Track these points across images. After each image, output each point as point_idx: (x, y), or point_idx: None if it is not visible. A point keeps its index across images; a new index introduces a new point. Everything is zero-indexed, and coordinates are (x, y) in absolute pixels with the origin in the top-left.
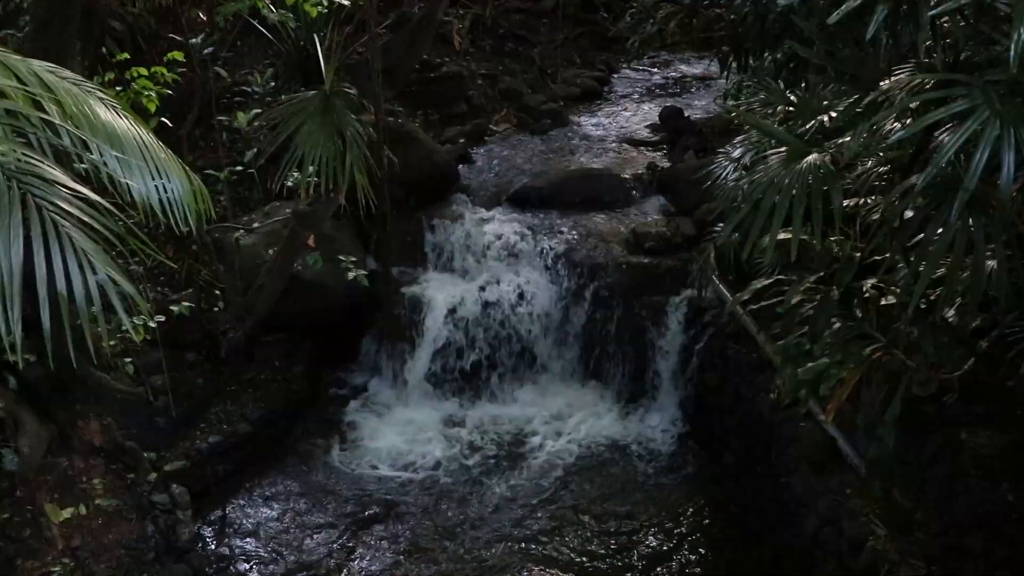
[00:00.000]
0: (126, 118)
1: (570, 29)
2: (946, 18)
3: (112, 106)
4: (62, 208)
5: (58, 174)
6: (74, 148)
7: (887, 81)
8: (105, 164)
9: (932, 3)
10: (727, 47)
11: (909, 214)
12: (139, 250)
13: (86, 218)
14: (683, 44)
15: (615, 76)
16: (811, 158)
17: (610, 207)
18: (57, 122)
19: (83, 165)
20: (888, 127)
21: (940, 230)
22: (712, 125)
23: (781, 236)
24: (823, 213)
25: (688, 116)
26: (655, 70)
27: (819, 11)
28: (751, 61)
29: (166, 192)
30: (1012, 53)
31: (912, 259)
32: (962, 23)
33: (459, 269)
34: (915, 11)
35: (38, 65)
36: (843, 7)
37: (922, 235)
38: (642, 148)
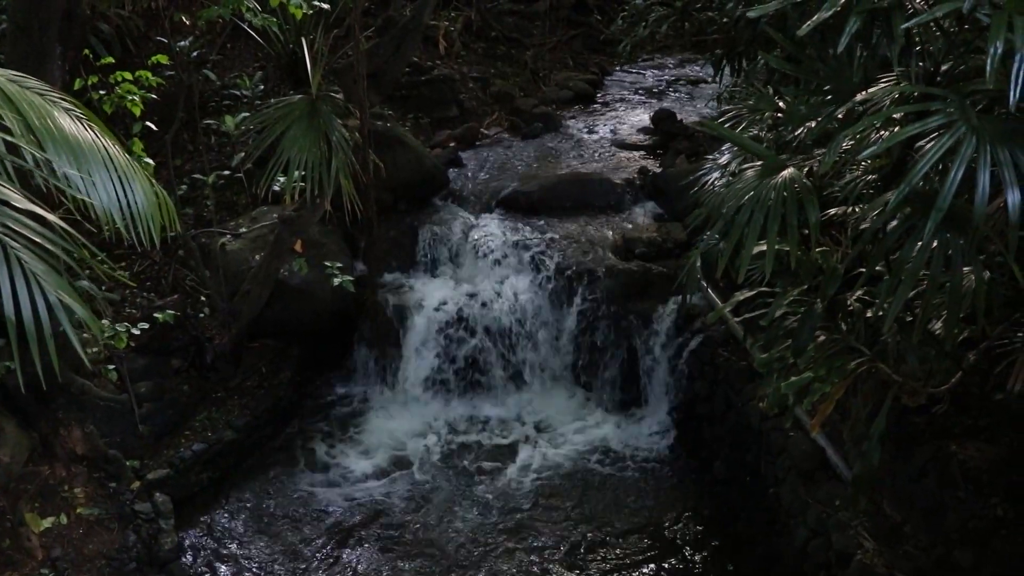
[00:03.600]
0: (91, 129)
1: (563, 32)
2: (924, 28)
3: (78, 117)
4: (11, 229)
5: (10, 192)
6: (35, 164)
7: (863, 93)
8: (68, 180)
9: (908, 14)
10: (720, 50)
11: (893, 224)
12: (112, 264)
13: (38, 239)
14: (676, 47)
15: (608, 79)
16: (786, 172)
17: (601, 212)
18: (12, 138)
19: (43, 176)
20: (872, 137)
21: (918, 245)
22: (705, 129)
23: (760, 249)
24: (801, 227)
25: (681, 120)
26: (648, 73)
27: (797, 20)
28: (744, 65)
29: (129, 205)
30: (989, 67)
31: (891, 272)
32: (939, 34)
33: (448, 274)
34: (889, 23)
35: (1, 75)
36: (814, 18)
37: (902, 248)
38: (634, 152)
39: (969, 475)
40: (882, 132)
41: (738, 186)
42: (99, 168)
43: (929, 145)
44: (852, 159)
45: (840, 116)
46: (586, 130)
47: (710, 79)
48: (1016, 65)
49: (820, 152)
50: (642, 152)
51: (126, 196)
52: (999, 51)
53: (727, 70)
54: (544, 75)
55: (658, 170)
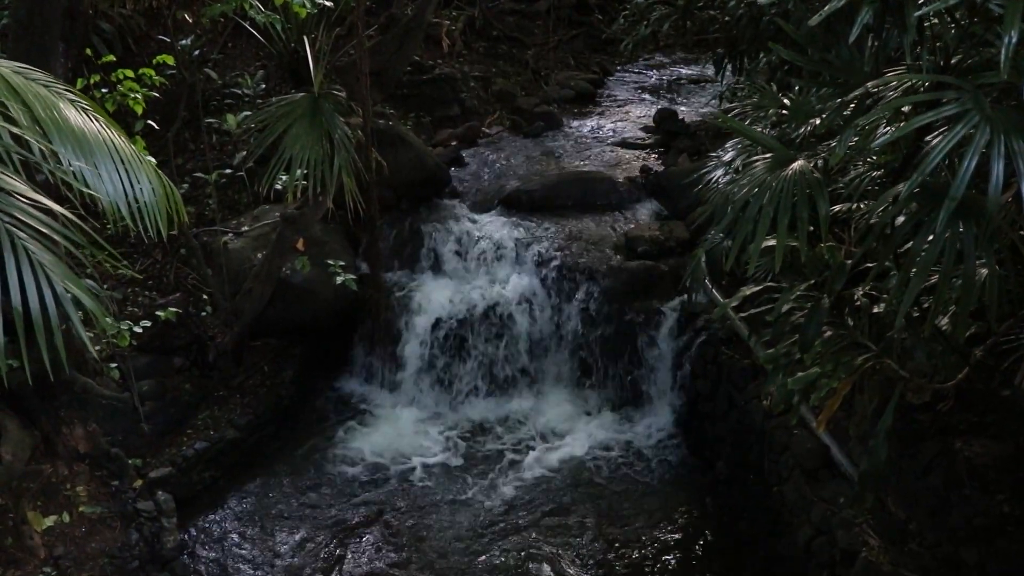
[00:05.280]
0: (97, 121)
1: (564, 31)
2: (936, 20)
3: (83, 109)
4: (19, 219)
5: (17, 183)
6: (41, 156)
7: (873, 83)
8: (74, 172)
9: (920, 3)
10: (722, 49)
11: (901, 219)
12: (119, 256)
13: (45, 230)
14: (678, 46)
15: (610, 78)
16: (796, 165)
17: (603, 210)
18: (19, 130)
19: (49, 168)
20: (880, 130)
21: (930, 238)
22: (706, 127)
23: (769, 243)
24: (810, 220)
25: (682, 118)
26: (650, 72)
27: (804, 12)
28: (746, 63)
29: (136, 198)
30: (1003, 57)
31: (901, 267)
32: (952, 25)
33: (450, 273)
34: (901, 12)
35: (6, 67)
36: (826, 8)
37: (911, 243)
38: (636, 151)
39: (975, 472)
40: (890, 127)
41: (746, 180)
42: (105, 159)
43: (939, 138)
44: (858, 154)
45: (850, 109)
46: (588, 129)
47: (712, 78)
48: None
49: (826, 147)
50: (644, 151)
51: (132, 187)
52: (1013, 41)
53: (729, 69)
54: (545, 74)
55: (660, 169)
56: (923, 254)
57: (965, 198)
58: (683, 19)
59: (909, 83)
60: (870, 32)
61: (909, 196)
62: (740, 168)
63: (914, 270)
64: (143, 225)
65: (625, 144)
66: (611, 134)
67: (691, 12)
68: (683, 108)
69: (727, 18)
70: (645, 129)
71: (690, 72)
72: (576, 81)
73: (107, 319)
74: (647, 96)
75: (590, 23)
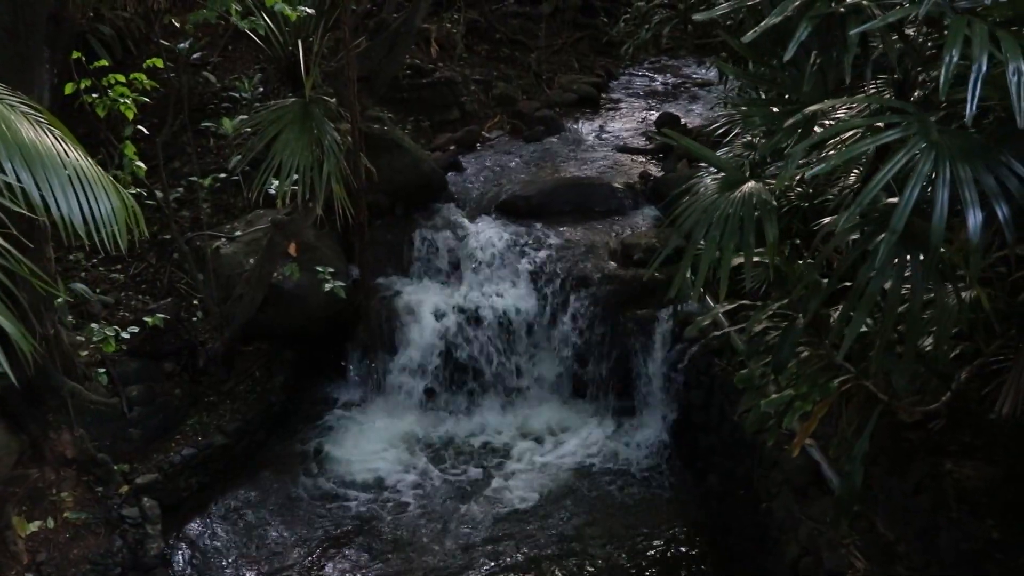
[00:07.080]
0: (50, 133)
1: (568, 34)
2: (893, 37)
3: (38, 122)
4: None
5: None
6: None
7: (815, 106)
8: (22, 187)
9: (862, 20)
10: (724, 53)
11: (856, 239)
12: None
13: None
14: (682, 50)
15: (614, 82)
16: (747, 187)
17: (601, 217)
18: None
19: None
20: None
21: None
22: (708, 132)
23: (738, 261)
24: (758, 244)
25: (684, 123)
26: (656, 75)
27: (750, 26)
28: (749, 67)
29: (92, 211)
30: (942, 77)
31: (847, 297)
32: (898, 41)
33: (444, 279)
34: (842, 29)
35: None
36: (762, 24)
37: (858, 271)
38: (636, 156)
39: (964, 495)
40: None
41: (698, 200)
42: (59, 173)
43: (887, 164)
44: (845, 168)
45: (795, 133)
46: (588, 133)
47: (716, 82)
48: (973, 76)
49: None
50: (645, 156)
51: (88, 202)
52: (954, 59)
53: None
54: (548, 78)
55: (659, 175)
56: (869, 284)
57: (913, 227)
58: (683, 23)
59: (855, 105)
60: (817, 48)
61: (854, 223)
62: None
63: (860, 298)
64: (101, 240)
65: (626, 149)
66: (612, 139)
67: (691, 16)
68: (686, 112)
69: (728, 22)
70: (646, 134)
71: (696, 76)
72: (579, 85)
73: (93, 325)
74: (650, 100)
75: (595, 26)
